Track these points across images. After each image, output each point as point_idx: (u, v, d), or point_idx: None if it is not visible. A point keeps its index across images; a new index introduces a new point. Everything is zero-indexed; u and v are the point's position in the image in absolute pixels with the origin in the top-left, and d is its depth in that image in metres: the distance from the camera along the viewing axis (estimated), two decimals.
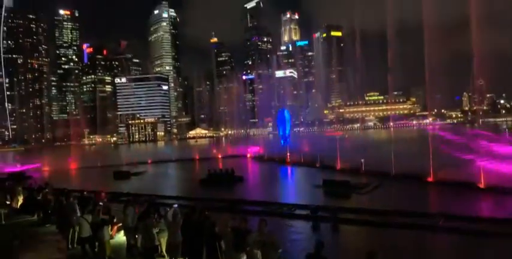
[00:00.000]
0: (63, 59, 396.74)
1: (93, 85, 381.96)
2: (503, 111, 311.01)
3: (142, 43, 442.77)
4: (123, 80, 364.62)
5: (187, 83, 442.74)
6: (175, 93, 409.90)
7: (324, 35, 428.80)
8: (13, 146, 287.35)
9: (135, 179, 44.41)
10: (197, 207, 13.11)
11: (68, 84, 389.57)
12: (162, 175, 50.24)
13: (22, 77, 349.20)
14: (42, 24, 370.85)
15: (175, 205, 13.90)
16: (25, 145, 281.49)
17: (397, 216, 19.49)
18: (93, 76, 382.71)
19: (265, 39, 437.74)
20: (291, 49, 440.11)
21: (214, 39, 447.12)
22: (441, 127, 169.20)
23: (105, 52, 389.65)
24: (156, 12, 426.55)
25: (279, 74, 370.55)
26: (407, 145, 61.74)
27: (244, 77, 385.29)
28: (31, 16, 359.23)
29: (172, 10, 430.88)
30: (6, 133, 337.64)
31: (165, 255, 12.28)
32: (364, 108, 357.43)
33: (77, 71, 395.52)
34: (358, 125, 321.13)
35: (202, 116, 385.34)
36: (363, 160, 36.07)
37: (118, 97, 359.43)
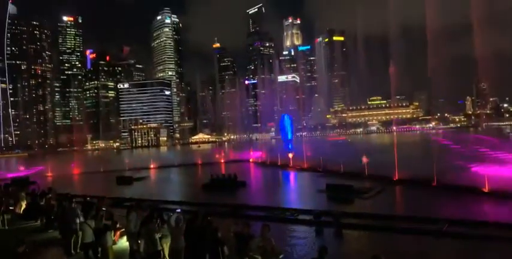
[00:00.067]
0: (66, 65, 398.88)
1: (96, 91, 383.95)
2: (507, 115, 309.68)
3: (145, 49, 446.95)
4: (126, 85, 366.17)
5: (190, 88, 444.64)
6: (178, 99, 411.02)
7: (326, 39, 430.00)
8: (16, 152, 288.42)
9: (137, 184, 44.35)
10: (200, 212, 13.09)
11: (71, 89, 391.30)
12: (165, 181, 50.20)
13: (26, 83, 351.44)
14: (45, 31, 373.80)
15: (178, 211, 13.89)
16: (28, 151, 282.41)
17: (401, 221, 19.40)
18: (96, 82, 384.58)
19: (268, 44, 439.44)
20: (293, 54, 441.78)
21: (217, 45, 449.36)
22: (444, 134, 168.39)
23: (108, 58, 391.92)
24: (158, 18, 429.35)
25: (281, 78, 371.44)
26: (410, 150, 61.59)
27: (246, 82, 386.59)
28: (35, 23, 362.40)
29: (175, 16, 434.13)
30: (10, 139, 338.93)
31: None
32: (366, 113, 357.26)
33: (80, 77, 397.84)
34: (361, 129, 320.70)
35: (205, 121, 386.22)
36: (365, 160, 35.79)
37: (121, 102, 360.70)
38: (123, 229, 15.09)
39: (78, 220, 14.73)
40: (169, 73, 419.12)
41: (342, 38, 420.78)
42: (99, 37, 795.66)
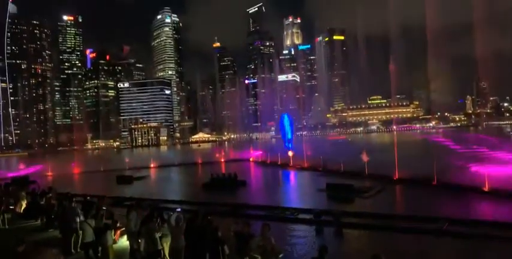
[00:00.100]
0: (66, 64, 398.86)
1: (96, 90, 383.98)
2: (507, 114, 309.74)
3: (145, 48, 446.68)
4: (126, 84, 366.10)
5: (190, 88, 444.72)
6: (178, 98, 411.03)
7: (326, 38, 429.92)
8: (16, 151, 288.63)
9: (138, 184, 44.35)
10: (200, 211, 13.10)
11: (71, 89, 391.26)
12: (165, 180, 50.21)
13: (26, 82, 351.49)
14: (45, 30, 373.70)
15: (179, 210, 13.89)
16: (28, 150, 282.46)
17: (401, 220, 19.40)
18: (96, 81, 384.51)
19: (268, 44, 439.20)
20: (293, 53, 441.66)
21: (217, 44, 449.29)
22: (444, 133, 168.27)
23: (108, 57, 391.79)
24: (158, 17, 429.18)
25: (282, 78, 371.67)
26: (410, 149, 61.59)
27: (246, 81, 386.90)
28: (35, 22, 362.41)
29: (175, 15, 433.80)
30: (10, 138, 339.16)
31: None
32: (367, 112, 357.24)
33: (80, 76, 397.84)
34: (361, 128, 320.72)
35: (205, 120, 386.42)
36: (365, 158, 35.76)
37: (121, 102, 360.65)
38: (124, 229, 15.11)
39: (78, 220, 14.74)
40: (170, 72, 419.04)
41: (342, 37, 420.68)
42: (99, 36, 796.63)
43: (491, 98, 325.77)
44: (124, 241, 14.85)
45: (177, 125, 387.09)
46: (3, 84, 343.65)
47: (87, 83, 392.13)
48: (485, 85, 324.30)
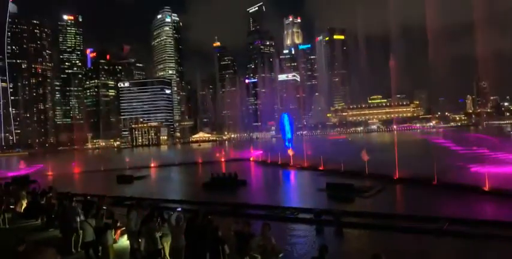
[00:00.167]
0: (66, 63, 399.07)
1: (96, 89, 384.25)
2: (507, 114, 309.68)
3: (146, 47, 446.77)
4: (126, 84, 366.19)
5: (190, 87, 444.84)
6: (179, 97, 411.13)
7: (327, 38, 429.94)
8: (17, 151, 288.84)
9: (138, 183, 44.35)
10: (200, 211, 13.10)
11: (72, 88, 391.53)
12: (165, 179, 50.20)
13: (26, 82, 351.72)
14: (46, 30, 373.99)
15: (179, 209, 13.89)
16: (29, 149, 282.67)
17: (401, 220, 19.40)
18: (96, 80, 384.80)
19: (268, 43, 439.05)
20: (293, 52, 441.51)
21: (217, 43, 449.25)
22: (444, 133, 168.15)
23: (108, 57, 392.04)
24: (159, 16, 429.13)
25: (282, 77, 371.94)
26: (410, 149, 61.56)
27: (247, 81, 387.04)
28: (35, 21, 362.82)
29: (175, 15, 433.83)
30: (10, 137, 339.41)
31: None
32: (367, 111, 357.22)
33: (80, 76, 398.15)
34: (362, 128, 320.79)
35: (205, 120, 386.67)
36: (365, 157, 35.76)
37: (121, 101, 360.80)
38: (124, 228, 15.11)
39: (78, 219, 14.75)
40: (170, 72, 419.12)
41: (342, 37, 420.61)
42: (100, 36, 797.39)
43: (491, 98, 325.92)
44: (124, 241, 14.86)
45: (177, 124, 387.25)
46: (4, 84, 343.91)
47: (88, 82, 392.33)
48: (486, 85, 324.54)
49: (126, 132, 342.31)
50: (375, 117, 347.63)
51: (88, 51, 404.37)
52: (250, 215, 21.89)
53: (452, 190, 26.57)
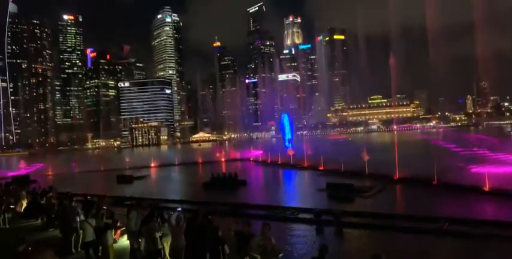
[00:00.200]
0: (66, 63, 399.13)
1: (96, 89, 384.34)
2: (507, 114, 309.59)
3: (146, 47, 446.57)
4: (127, 84, 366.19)
5: (191, 87, 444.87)
6: (179, 97, 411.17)
7: (327, 38, 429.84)
8: (17, 150, 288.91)
9: (138, 183, 44.36)
10: (200, 211, 13.09)
11: (72, 88, 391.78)
12: (165, 179, 50.20)
13: (26, 82, 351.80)
14: (46, 30, 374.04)
15: (179, 209, 13.88)
16: (29, 149, 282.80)
17: (401, 220, 19.39)
18: (96, 80, 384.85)
19: (268, 43, 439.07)
20: (293, 52, 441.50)
21: (217, 43, 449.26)
22: (444, 133, 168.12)
23: (108, 56, 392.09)
24: (159, 16, 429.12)
25: (282, 77, 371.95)
26: (410, 149, 61.53)
27: (247, 81, 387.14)
28: (35, 21, 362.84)
29: (175, 14, 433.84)
30: (11, 137, 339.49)
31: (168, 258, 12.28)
32: (367, 111, 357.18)
33: (80, 76, 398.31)
34: (362, 128, 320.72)
35: (206, 120, 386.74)
36: (365, 157, 35.77)
37: (121, 101, 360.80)
38: (124, 228, 15.11)
39: (78, 219, 14.74)
40: (170, 72, 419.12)
41: (342, 37, 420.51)
42: (100, 36, 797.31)
43: (491, 98, 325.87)
44: (124, 241, 14.85)
45: (177, 124, 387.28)
46: (4, 84, 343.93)
47: (88, 82, 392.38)
48: (486, 85, 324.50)
49: (126, 132, 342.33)
50: (375, 117, 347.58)
51: (88, 51, 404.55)
52: (250, 215, 21.89)
53: (453, 191, 26.57)
